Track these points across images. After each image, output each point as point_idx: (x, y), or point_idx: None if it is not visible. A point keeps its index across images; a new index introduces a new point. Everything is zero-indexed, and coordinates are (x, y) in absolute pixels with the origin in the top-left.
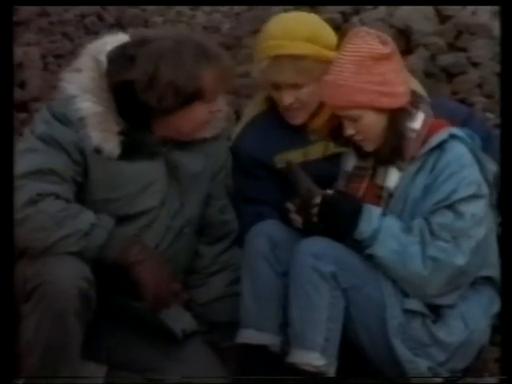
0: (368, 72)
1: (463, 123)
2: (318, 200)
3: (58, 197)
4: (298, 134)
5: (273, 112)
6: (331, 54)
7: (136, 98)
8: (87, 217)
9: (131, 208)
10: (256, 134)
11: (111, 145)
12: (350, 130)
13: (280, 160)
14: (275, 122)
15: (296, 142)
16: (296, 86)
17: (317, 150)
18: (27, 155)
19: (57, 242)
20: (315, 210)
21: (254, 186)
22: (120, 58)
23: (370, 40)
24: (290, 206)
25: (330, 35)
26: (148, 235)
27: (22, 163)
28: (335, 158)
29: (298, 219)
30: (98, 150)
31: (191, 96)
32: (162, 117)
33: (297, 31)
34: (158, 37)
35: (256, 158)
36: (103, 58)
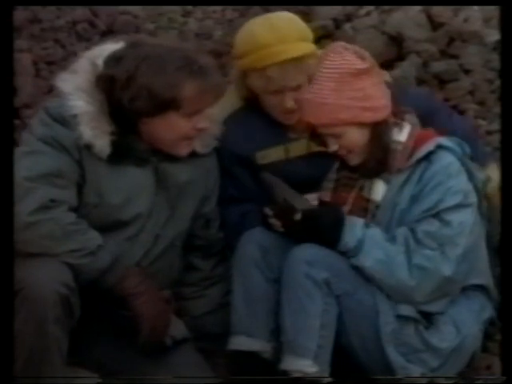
0: (349, 88)
1: (426, 111)
2: (298, 217)
3: (69, 207)
4: (279, 131)
5: (251, 108)
6: (314, 46)
7: (113, 96)
8: (95, 236)
9: (119, 215)
10: (236, 130)
11: (102, 143)
12: (333, 146)
13: (261, 156)
14: (254, 118)
15: (277, 139)
16: (297, 88)
17: (299, 148)
18: (31, 157)
19: (62, 254)
20: (296, 223)
21: (237, 185)
22: (110, 57)
23: (347, 56)
24: (267, 211)
25: (306, 27)
26: (136, 244)
27: (28, 165)
28: (319, 156)
29: (277, 223)
30: (88, 147)
31: (165, 104)
32: (136, 119)
33: (288, 33)
34: (151, 42)
35: (237, 155)
36: (100, 63)
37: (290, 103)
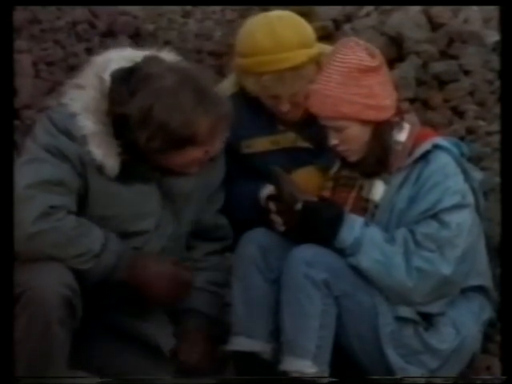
0: (355, 84)
1: None
2: (299, 207)
3: (68, 211)
4: (268, 122)
5: (243, 96)
6: (317, 49)
7: (129, 133)
8: (98, 236)
9: (126, 227)
10: None
11: (112, 163)
12: (333, 140)
13: (246, 145)
14: (245, 106)
15: (265, 129)
16: (295, 93)
17: (286, 140)
18: (32, 165)
19: (68, 260)
20: (297, 217)
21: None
22: (121, 90)
23: (358, 51)
24: (272, 206)
25: (310, 30)
26: None
27: (28, 173)
28: (306, 149)
29: (279, 221)
30: (99, 167)
31: (184, 141)
32: (151, 155)
33: (289, 40)
34: (162, 73)
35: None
36: (107, 77)
37: (285, 107)
